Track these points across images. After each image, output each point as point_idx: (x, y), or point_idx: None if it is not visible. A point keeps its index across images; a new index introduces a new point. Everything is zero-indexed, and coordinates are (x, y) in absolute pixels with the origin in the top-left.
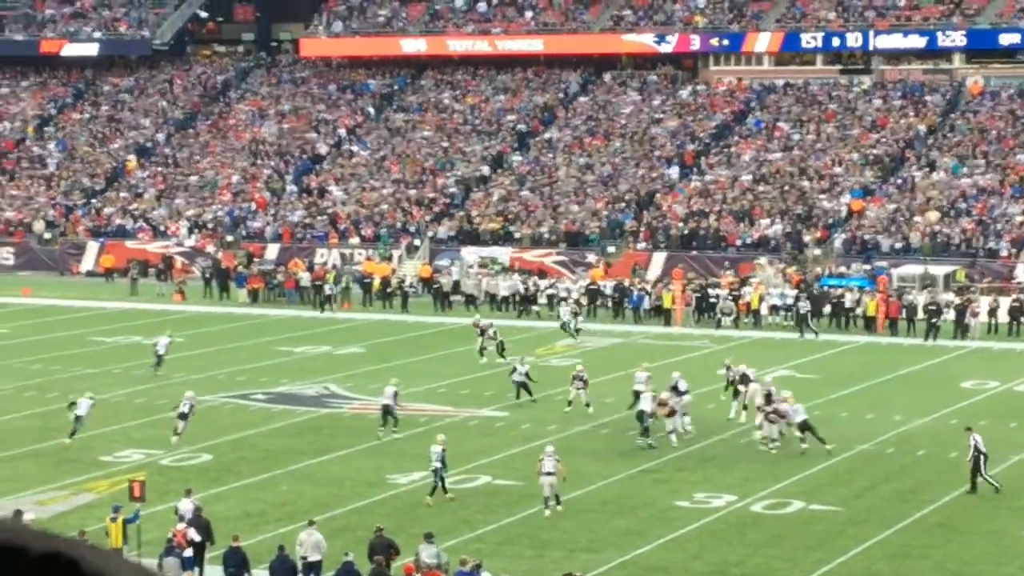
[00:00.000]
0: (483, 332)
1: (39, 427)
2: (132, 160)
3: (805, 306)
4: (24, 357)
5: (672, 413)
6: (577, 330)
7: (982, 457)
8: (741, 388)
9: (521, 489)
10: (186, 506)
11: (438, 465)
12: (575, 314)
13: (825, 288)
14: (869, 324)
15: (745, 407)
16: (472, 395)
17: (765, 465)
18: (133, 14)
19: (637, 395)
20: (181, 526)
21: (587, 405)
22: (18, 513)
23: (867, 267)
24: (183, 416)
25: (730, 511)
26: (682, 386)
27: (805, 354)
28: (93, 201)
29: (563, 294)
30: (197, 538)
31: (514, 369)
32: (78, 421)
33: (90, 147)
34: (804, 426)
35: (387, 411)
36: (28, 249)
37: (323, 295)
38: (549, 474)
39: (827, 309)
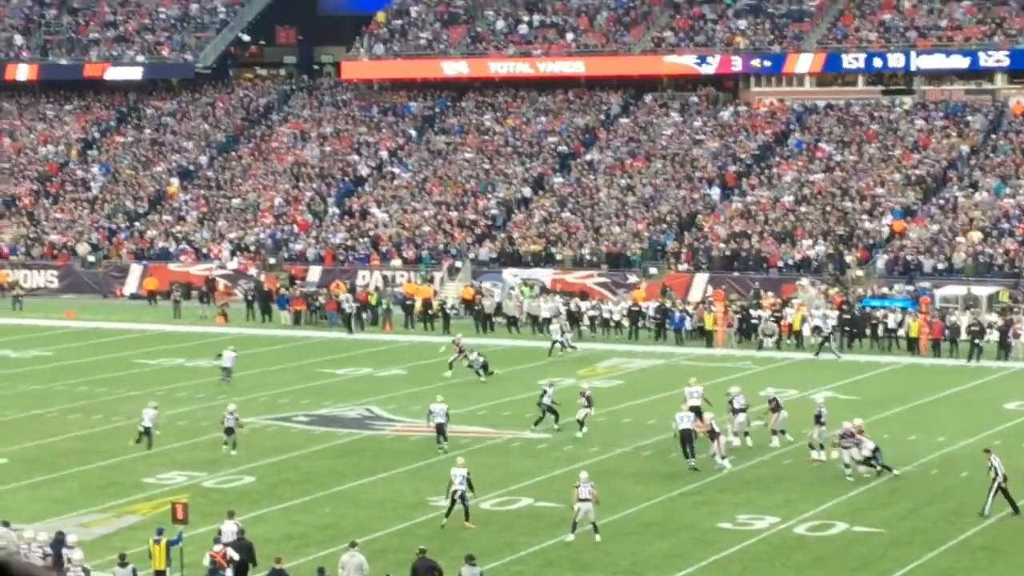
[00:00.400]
0: (461, 351)
1: (83, 449)
2: (173, 185)
3: (827, 327)
4: (68, 380)
5: (713, 434)
6: (571, 347)
7: (999, 478)
8: (746, 413)
9: (563, 512)
10: (229, 528)
11: (461, 488)
12: (563, 331)
13: (867, 309)
14: (912, 345)
15: (774, 432)
16: (514, 417)
17: (808, 487)
18: (176, 38)
19: (696, 410)
20: (218, 547)
21: (580, 424)
22: (61, 535)
23: (910, 288)
24: (229, 431)
25: (773, 533)
26: (738, 403)
27: (847, 375)
28: (136, 224)
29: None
30: (236, 557)
31: (544, 392)
32: (148, 433)
33: (133, 170)
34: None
35: (440, 430)
36: (72, 272)
37: (344, 314)
38: (585, 500)
39: (869, 330)
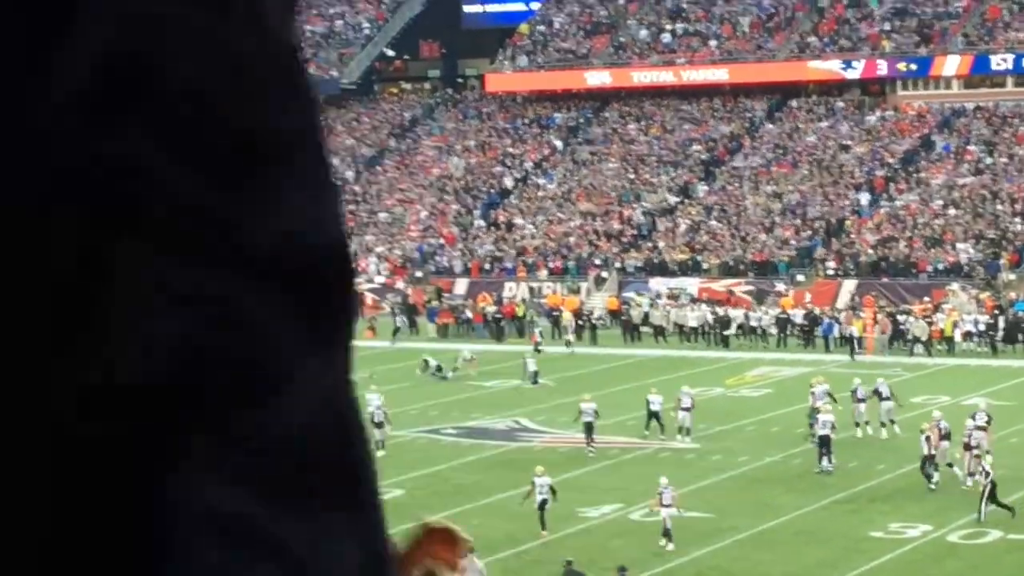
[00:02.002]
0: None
1: None
2: None
3: (850, 330)
4: None
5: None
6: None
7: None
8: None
9: (713, 521)
10: None
11: (547, 497)
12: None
13: (1020, 313)
14: None
15: (883, 424)
16: (663, 426)
17: (960, 494)
18: (321, 54)
19: (815, 412)
20: None
21: (687, 431)
22: None
23: None
24: (379, 425)
25: (925, 541)
26: (860, 394)
27: (1001, 380)
28: None
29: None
30: None
31: (648, 402)
32: (373, 417)
33: None
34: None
35: (589, 429)
36: None
37: (395, 327)
38: (668, 506)
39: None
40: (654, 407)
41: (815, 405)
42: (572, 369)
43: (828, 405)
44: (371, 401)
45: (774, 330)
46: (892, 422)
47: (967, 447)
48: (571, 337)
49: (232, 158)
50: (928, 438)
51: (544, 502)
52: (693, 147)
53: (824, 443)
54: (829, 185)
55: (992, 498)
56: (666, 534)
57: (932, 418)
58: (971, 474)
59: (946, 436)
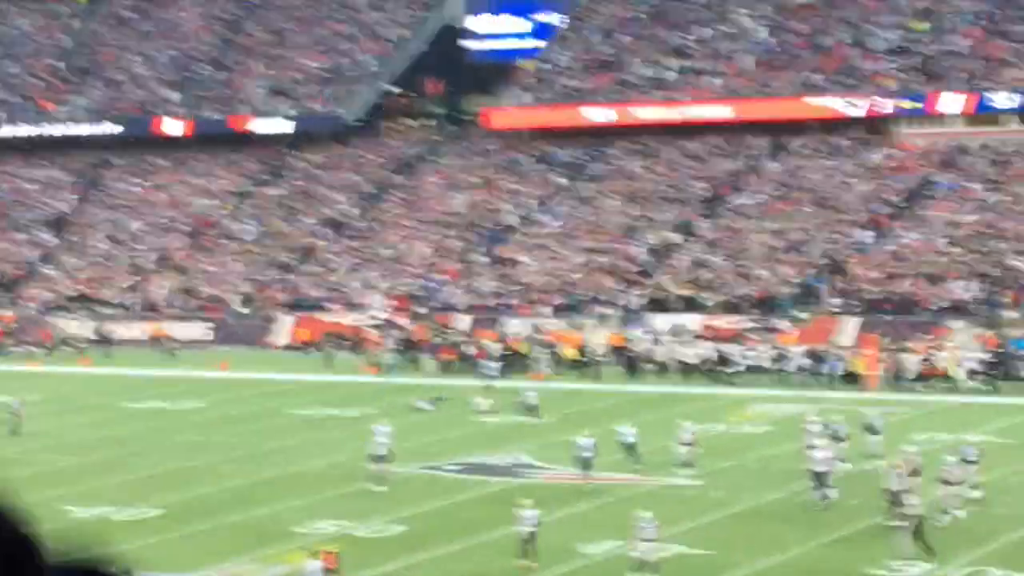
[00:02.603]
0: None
1: (232, 500)
2: (320, 242)
3: (806, 363)
4: (222, 430)
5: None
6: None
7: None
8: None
9: (714, 559)
10: (312, 567)
11: (533, 529)
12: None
13: (1020, 350)
14: None
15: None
16: (664, 462)
17: (960, 531)
18: (326, 91)
19: (811, 449)
20: None
21: (688, 466)
22: None
23: None
24: (380, 459)
25: None
26: (841, 432)
27: (1003, 418)
28: (289, 276)
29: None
30: None
31: (621, 435)
32: (380, 448)
33: (284, 222)
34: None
35: (586, 464)
36: (225, 324)
37: (384, 362)
38: (650, 540)
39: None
40: (628, 439)
41: (810, 443)
42: (574, 405)
43: (823, 441)
44: (378, 431)
45: (774, 367)
46: (877, 457)
47: (945, 483)
48: (546, 371)
49: None
50: (899, 474)
51: (532, 534)
52: (696, 184)
53: (819, 478)
54: (832, 223)
55: (918, 535)
56: (647, 568)
57: (905, 453)
58: (944, 511)
59: (916, 472)
